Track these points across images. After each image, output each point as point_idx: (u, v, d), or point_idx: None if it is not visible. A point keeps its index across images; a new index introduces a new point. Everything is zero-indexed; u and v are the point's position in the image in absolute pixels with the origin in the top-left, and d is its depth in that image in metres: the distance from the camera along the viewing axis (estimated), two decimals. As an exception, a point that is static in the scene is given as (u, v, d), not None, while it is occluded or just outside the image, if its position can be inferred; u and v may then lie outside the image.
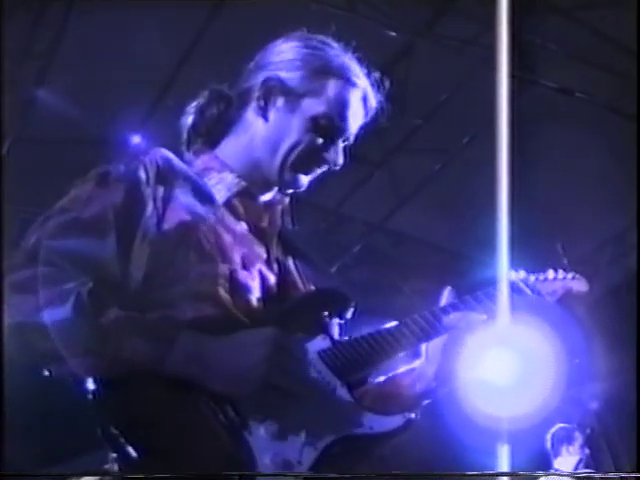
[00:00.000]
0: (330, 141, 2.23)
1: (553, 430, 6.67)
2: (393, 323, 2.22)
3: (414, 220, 7.91)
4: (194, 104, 2.32)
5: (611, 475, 5.35)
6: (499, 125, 3.61)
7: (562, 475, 5.99)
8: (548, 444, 6.59)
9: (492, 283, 2.40)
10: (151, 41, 5.76)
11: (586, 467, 6.42)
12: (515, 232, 3.35)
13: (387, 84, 2.33)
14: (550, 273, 2.50)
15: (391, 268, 8.44)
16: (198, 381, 1.94)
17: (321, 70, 2.25)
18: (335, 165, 2.27)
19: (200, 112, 2.31)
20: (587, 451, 6.54)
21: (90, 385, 1.85)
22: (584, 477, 6.15)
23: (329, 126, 2.24)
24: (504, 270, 2.72)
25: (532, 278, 2.47)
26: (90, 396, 1.85)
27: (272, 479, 1.93)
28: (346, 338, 2.20)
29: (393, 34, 5.92)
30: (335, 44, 2.30)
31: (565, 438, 6.64)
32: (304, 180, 2.26)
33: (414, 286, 8.08)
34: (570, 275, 2.52)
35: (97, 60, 6.03)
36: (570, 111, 6.57)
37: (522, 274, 2.47)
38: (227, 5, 5.84)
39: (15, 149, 6.28)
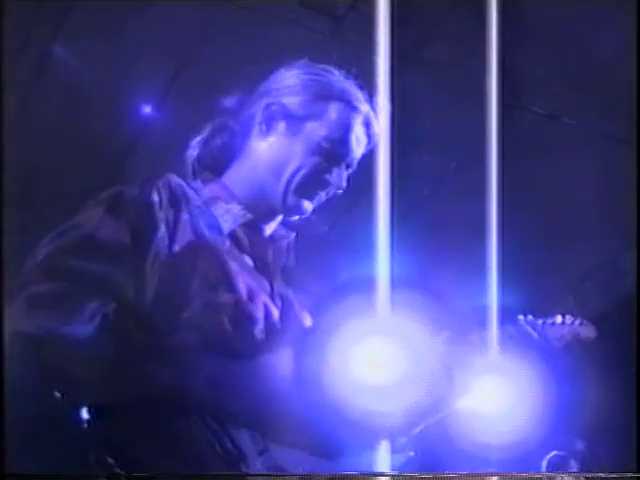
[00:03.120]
0: (333, 165, 2.27)
1: (549, 457, 6.62)
2: None
3: (402, 247, 7.86)
4: (198, 139, 2.35)
5: (603, 475, 5.31)
6: (488, 151, 3.57)
7: (554, 475, 5.93)
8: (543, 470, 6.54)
9: (485, 318, 2.39)
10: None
11: None
12: (505, 258, 3.30)
13: (388, 108, 2.34)
14: (558, 318, 2.50)
15: (379, 296, 8.37)
16: (221, 405, 1.94)
17: (322, 94, 2.28)
18: (339, 189, 2.30)
19: (204, 145, 2.33)
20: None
21: (85, 413, 1.82)
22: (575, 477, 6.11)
23: (332, 150, 2.28)
24: (494, 297, 2.68)
25: (540, 322, 2.46)
26: (85, 425, 1.81)
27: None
28: None
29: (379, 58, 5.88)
30: (336, 71, 2.32)
31: (560, 465, 6.58)
32: (308, 206, 2.27)
33: (405, 314, 8.02)
34: (578, 321, 2.52)
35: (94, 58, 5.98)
36: (558, 137, 6.55)
37: (530, 318, 2.46)
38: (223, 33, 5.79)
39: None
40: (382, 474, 2.03)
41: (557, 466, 6.75)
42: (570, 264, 7.77)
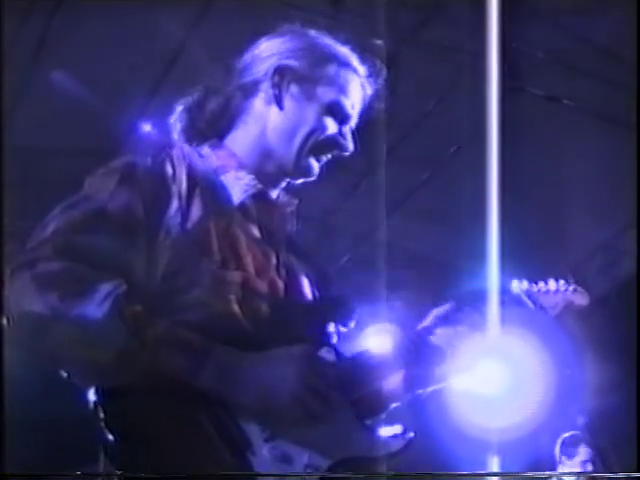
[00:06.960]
0: (342, 127, 2.24)
1: (565, 436, 6.59)
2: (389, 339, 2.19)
3: (402, 230, 7.85)
4: (185, 103, 2.29)
5: (603, 475, 5.33)
6: (488, 133, 3.56)
7: (556, 476, 5.93)
8: (557, 450, 6.50)
9: (484, 294, 2.37)
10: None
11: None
12: (505, 241, 3.30)
13: (384, 71, 2.34)
14: (552, 285, 2.48)
15: (379, 279, 8.37)
16: (228, 396, 1.88)
17: (326, 58, 2.25)
18: (346, 151, 2.27)
19: (197, 109, 2.27)
20: (590, 466, 6.46)
21: (92, 395, 1.79)
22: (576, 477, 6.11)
23: (340, 112, 2.24)
24: (495, 279, 2.68)
25: (534, 289, 2.45)
26: (92, 406, 1.79)
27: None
28: (346, 355, 2.13)
29: (379, 42, 5.85)
30: (327, 36, 2.31)
31: (573, 446, 6.55)
32: (316, 168, 2.25)
33: (403, 297, 8.02)
34: (572, 288, 2.50)
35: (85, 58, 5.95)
36: (558, 118, 6.53)
37: (525, 285, 2.44)
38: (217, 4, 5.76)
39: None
40: (380, 474, 2.01)
41: (571, 446, 6.70)
42: (570, 245, 7.77)
